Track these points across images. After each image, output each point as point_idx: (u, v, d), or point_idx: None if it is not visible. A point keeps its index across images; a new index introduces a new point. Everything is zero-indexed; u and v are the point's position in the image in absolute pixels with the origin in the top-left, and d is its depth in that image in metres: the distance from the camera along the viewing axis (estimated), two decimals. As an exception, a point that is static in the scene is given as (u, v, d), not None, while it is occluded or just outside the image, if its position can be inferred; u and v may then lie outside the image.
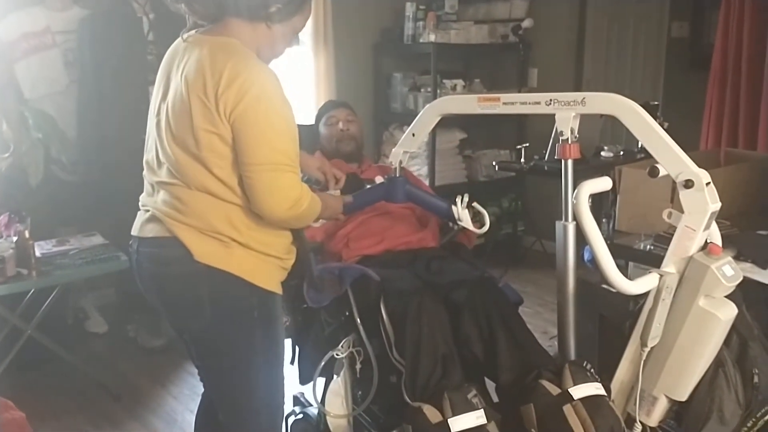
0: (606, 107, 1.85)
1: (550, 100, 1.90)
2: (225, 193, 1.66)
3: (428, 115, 2.26)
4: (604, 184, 1.79)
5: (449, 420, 1.66)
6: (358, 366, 2.05)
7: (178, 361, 3.39)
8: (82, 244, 3.13)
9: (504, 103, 2.03)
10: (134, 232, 1.83)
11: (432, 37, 4.58)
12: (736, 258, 2.09)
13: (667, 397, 1.86)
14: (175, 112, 1.64)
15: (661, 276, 1.76)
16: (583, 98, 1.84)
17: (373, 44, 4.90)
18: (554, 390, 1.72)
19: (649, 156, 2.89)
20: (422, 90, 4.79)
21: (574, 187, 1.88)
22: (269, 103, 1.61)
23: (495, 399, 1.91)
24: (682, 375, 1.82)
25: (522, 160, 4.04)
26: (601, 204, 3.76)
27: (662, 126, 2.71)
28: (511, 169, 4.27)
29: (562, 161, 1.92)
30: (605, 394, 1.74)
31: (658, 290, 1.76)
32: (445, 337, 1.89)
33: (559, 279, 1.96)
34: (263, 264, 1.73)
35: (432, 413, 1.68)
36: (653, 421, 1.87)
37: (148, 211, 1.80)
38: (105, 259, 3.01)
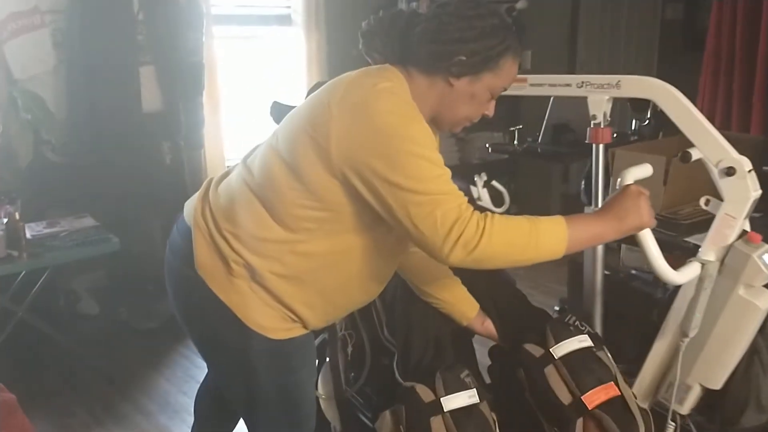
0: (643, 91, 1.80)
1: (582, 82, 1.84)
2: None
3: None
4: (645, 170, 1.75)
5: (442, 399, 1.66)
6: (350, 349, 2.05)
7: (170, 343, 3.39)
8: (73, 225, 3.10)
9: (531, 85, 1.96)
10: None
11: (425, 19, 4.54)
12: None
13: (701, 385, 1.83)
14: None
15: (703, 265, 1.71)
16: (618, 81, 1.79)
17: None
18: (537, 352, 1.72)
19: (642, 138, 2.89)
20: (415, 71, 4.76)
21: (605, 172, 1.85)
22: None
23: (487, 381, 1.92)
24: (718, 364, 1.78)
25: (515, 142, 4.04)
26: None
27: (655, 108, 2.70)
28: (505, 151, 4.26)
29: (593, 145, 1.88)
30: (591, 344, 1.72)
31: (700, 279, 1.71)
32: (435, 318, 1.89)
33: (586, 268, 1.94)
34: (267, 309, 1.49)
35: (425, 392, 1.69)
36: (686, 409, 1.84)
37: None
38: (96, 241, 2.99)
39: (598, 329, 1.94)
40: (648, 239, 1.60)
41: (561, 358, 1.68)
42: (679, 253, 2.78)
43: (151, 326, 3.55)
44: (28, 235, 2.87)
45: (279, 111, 3.34)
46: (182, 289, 1.57)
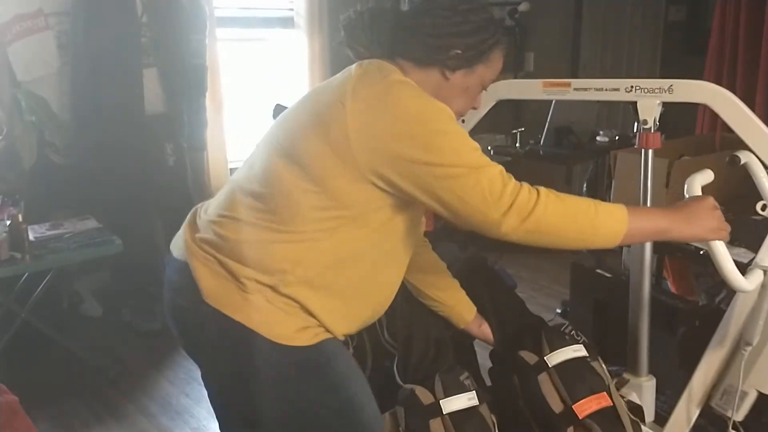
0: (697, 95, 1.76)
1: (631, 86, 1.79)
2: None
3: (484, 99, 2.19)
4: (708, 176, 1.74)
5: (441, 401, 1.66)
6: (350, 351, 2.05)
7: (173, 344, 3.38)
8: (76, 227, 3.11)
9: (575, 89, 1.90)
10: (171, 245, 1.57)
11: (427, 21, 4.54)
12: (731, 243, 2.09)
13: (758, 391, 1.81)
14: None
15: (765, 272, 1.68)
16: (671, 86, 1.74)
17: (369, 27, 4.86)
18: (532, 359, 1.73)
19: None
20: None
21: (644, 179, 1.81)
22: None
23: (488, 383, 1.92)
24: None
25: (517, 144, 4.04)
26: (595, 189, 3.77)
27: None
28: (507, 154, 4.26)
29: (642, 151, 1.84)
30: (585, 354, 1.73)
31: (764, 286, 1.69)
32: (436, 320, 1.89)
33: (633, 281, 1.91)
34: (287, 317, 1.39)
35: (424, 395, 1.69)
36: (740, 416, 1.83)
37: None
38: (99, 243, 3.00)
39: (645, 348, 1.92)
40: (720, 248, 1.58)
41: (555, 366, 1.69)
42: (680, 255, 2.79)
43: (154, 328, 3.55)
44: (31, 237, 2.87)
45: (281, 113, 3.35)
46: (194, 327, 1.45)
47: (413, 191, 1.33)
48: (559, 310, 3.49)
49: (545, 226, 1.30)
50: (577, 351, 1.73)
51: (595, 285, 2.71)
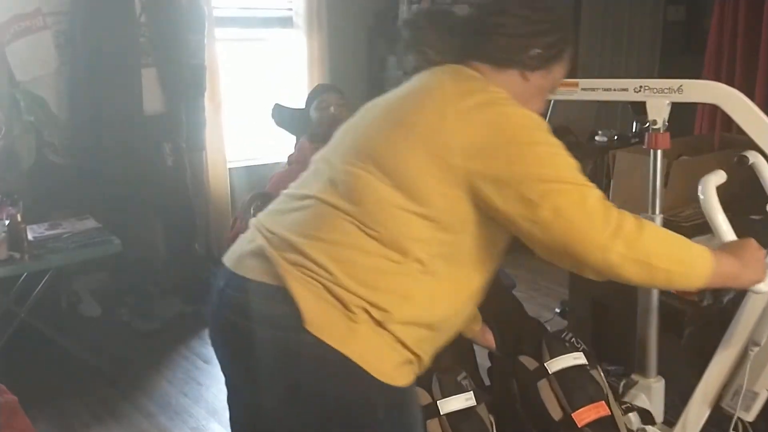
0: (707, 96, 1.76)
1: (640, 86, 1.78)
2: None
3: None
4: (721, 177, 1.74)
5: (438, 402, 1.66)
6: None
7: (172, 344, 3.40)
8: (75, 227, 3.11)
9: (583, 89, 1.88)
10: (229, 263, 1.37)
11: (427, 21, 4.55)
12: (728, 244, 2.09)
13: None
14: None
15: None
16: (680, 86, 1.73)
17: (368, 27, 4.86)
18: (532, 365, 1.73)
19: (643, 140, 2.88)
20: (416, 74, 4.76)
21: (663, 180, 1.80)
22: None
23: (487, 382, 1.92)
24: None
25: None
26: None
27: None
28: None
29: (651, 151, 1.83)
30: (585, 362, 1.74)
31: None
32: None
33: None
34: (391, 352, 1.27)
35: (421, 395, 1.69)
36: (752, 416, 1.82)
37: (253, 241, 1.35)
38: (98, 243, 3.00)
39: (653, 349, 1.91)
40: None
41: (555, 373, 1.69)
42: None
43: (153, 327, 3.55)
44: (30, 237, 2.87)
45: (280, 113, 3.35)
46: (284, 360, 1.26)
47: (510, 211, 1.23)
48: (558, 310, 3.49)
49: (648, 255, 1.22)
50: (578, 359, 1.74)
51: (594, 285, 2.68)
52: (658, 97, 1.76)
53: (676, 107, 1.80)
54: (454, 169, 1.24)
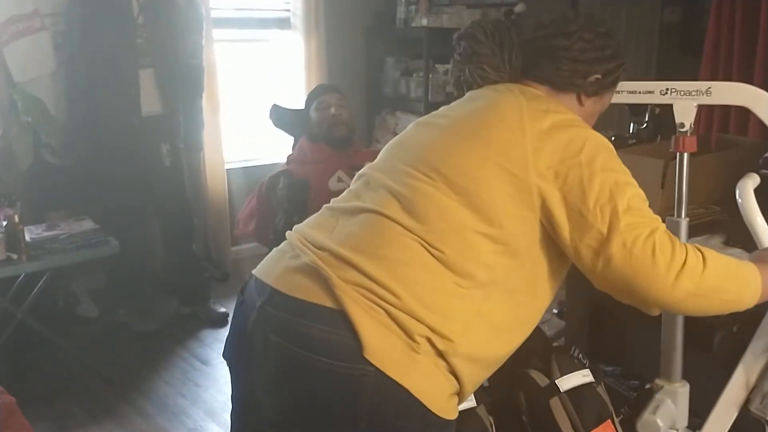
0: (736, 98, 1.74)
1: (667, 89, 1.75)
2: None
3: None
4: (756, 180, 1.68)
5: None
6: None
7: (169, 345, 3.40)
8: (72, 228, 3.11)
9: None
10: (269, 278, 1.26)
11: (424, 22, 4.56)
12: (726, 243, 2.09)
13: None
14: None
15: None
16: (709, 88, 1.70)
17: (365, 28, 4.87)
18: (542, 381, 1.73)
19: (640, 141, 2.89)
20: (414, 75, 4.77)
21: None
22: None
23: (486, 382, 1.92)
24: None
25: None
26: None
27: (654, 112, 2.69)
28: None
29: (677, 154, 1.78)
30: (593, 380, 1.75)
31: None
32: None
33: None
34: (446, 383, 1.20)
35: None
36: None
37: (298, 257, 1.24)
38: (95, 244, 3.00)
39: (679, 354, 1.90)
40: None
41: (566, 392, 1.69)
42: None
43: (150, 328, 3.55)
44: (27, 238, 2.87)
45: (278, 114, 3.36)
46: (336, 389, 1.16)
47: (576, 239, 1.21)
48: (555, 311, 3.50)
49: (715, 292, 1.21)
50: (586, 376, 1.74)
51: (592, 287, 2.70)
52: (686, 100, 1.73)
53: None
54: (529, 187, 1.21)
